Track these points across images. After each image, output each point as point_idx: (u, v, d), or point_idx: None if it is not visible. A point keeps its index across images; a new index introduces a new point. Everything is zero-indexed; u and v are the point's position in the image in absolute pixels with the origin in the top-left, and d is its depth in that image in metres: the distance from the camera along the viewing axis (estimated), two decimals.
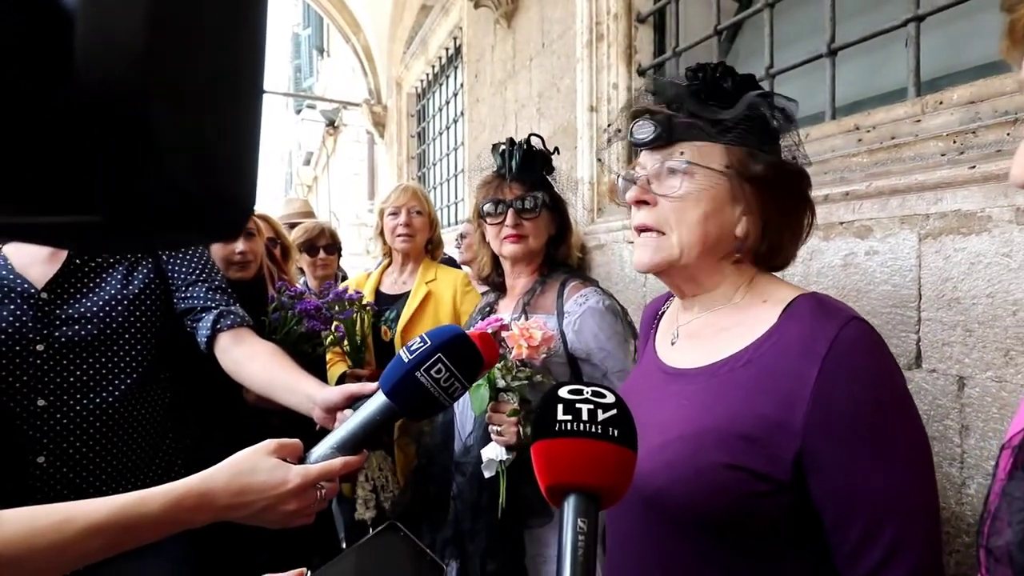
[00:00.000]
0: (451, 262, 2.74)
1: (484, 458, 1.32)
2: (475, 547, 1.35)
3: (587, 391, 0.65)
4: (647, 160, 0.87)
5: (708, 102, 0.82)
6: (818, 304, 0.78)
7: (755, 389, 0.75)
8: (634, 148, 0.92)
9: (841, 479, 0.70)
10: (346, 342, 1.84)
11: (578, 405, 0.63)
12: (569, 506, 0.60)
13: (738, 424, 0.74)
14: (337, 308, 1.79)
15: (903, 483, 0.70)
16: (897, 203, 1.18)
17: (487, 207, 1.49)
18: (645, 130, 0.85)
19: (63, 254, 1.28)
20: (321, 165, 12.75)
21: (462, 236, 2.83)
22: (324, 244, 2.77)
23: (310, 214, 3.44)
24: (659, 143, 0.84)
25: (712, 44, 1.92)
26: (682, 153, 0.82)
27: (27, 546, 0.63)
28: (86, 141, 0.19)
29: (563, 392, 0.65)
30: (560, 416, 0.62)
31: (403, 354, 0.80)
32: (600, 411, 0.63)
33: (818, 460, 0.70)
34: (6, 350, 1.17)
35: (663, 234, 0.85)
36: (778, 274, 0.90)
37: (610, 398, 0.65)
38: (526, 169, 1.47)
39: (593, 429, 0.61)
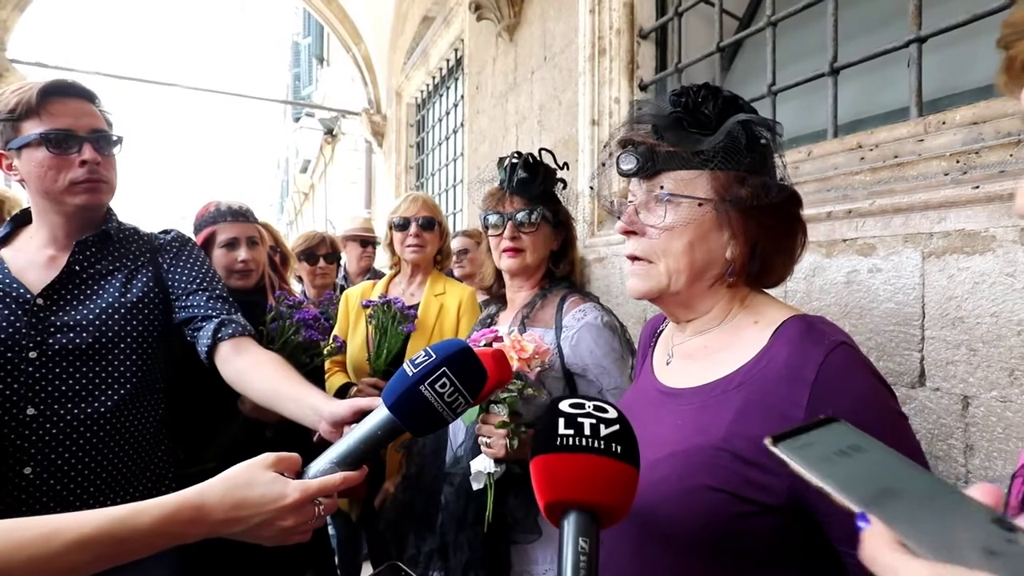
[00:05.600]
0: (452, 275, 2.73)
1: (472, 470, 1.30)
2: (457, 560, 1.33)
3: (589, 405, 0.64)
4: (636, 189, 0.89)
5: (690, 129, 0.83)
6: (807, 327, 0.78)
7: (746, 411, 0.75)
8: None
9: None
10: (377, 350, 1.80)
11: (580, 419, 0.62)
12: (569, 525, 0.58)
13: (729, 445, 0.73)
14: (401, 319, 1.78)
15: None
16: (900, 221, 1.18)
17: (489, 219, 1.49)
18: (629, 162, 0.86)
19: (62, 259, 1.26)
20: (318, 173, 12.75)
21: (461, 252, 2.80)
22: (324, 253, 2.77)
23: (368, 231, 3.42)
24: (644, 174, 0.86)
25: (714, 60, 1.93)
26: (662, 187, 0.84)
27: (10, 559, 0.61)
28: None
29: (564, 406, 0.64)
30: (562, 430, 0.61)
31: (407, 367, 0.79)
32: (603, 426, 0.62)
33: None
34: None
35: (651, 263, 0.86)
36: (780, 291, 0.91)
37: (612, 413, 0.64)
38: (528, 183, 1.46)
39: (596, 444, 0.60)
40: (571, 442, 0.60)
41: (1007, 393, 1.00)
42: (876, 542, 0.40)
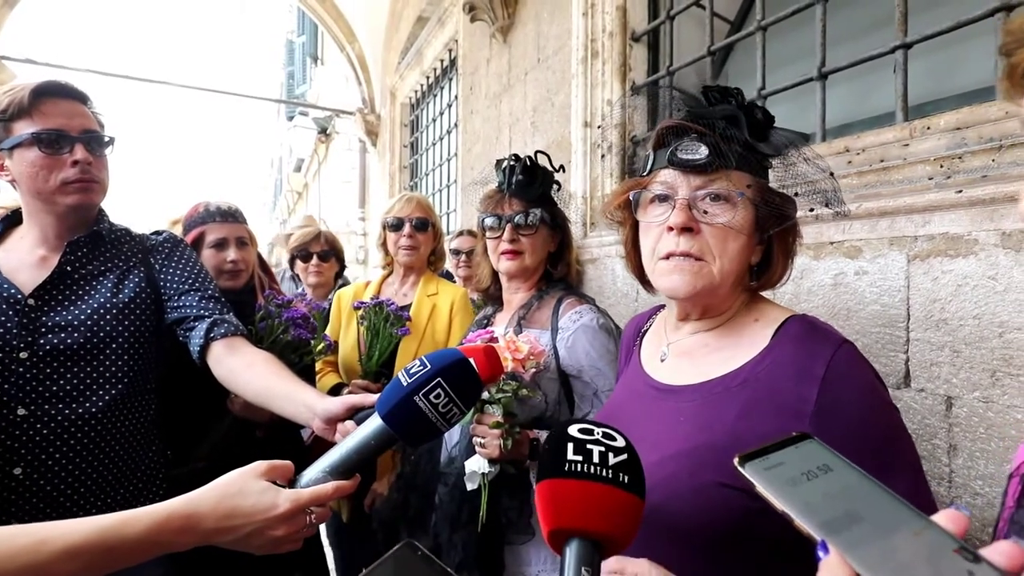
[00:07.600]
0: (449, 276, 2.72)
1: (467, 470, 1.31)
2: (451, 560, 1.33)
3: (598, 431, 0.63)
4: (677, 181, 0.83)
5: (752, 134, 0.82)
6: (811, 326, 0.80)
7: (753, 408, 0.76)
8: (631, 164, 0.92)
9: None
10: (369, 351, 1.80)
11: (589, 446, 0.61)
12: (572, 553, 0.57)
13: (737, 442, 0.74)
14: (394, 321, 1.77)
15: (912, 488, 0.72)
16: (886, 225, 1.20)
17: (487, 221, 1.50)
18: (696, 151, 0.81)
19: (54, 260, 1.26)
20: (312, 172, 12.70)
21: (456, 252, 2.80)
22: (318, 250, 2.70)
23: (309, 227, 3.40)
24: (710, 167, 0.80)
25: (705, 64, 1.95)
26: (749, 186, 0.81)
27: (3, 568, 0.61)
28: None
29: (573, 431, 0.63)
30: (571, 456, 0.60)
31: (402, 377, 0.78)
32: (611, 454, 0.61)
33: None
34: None
35: (702, 261, 0.82)
36: (768, 292, 0.92)
37: (620, 441, 0.63)
38: (527, 185, 1.47)
39: (604, 473, 0.59)
40: (579, 468, 0.59)
41: (989, 394, 1.02)
42: (830, 575, 0.39)
